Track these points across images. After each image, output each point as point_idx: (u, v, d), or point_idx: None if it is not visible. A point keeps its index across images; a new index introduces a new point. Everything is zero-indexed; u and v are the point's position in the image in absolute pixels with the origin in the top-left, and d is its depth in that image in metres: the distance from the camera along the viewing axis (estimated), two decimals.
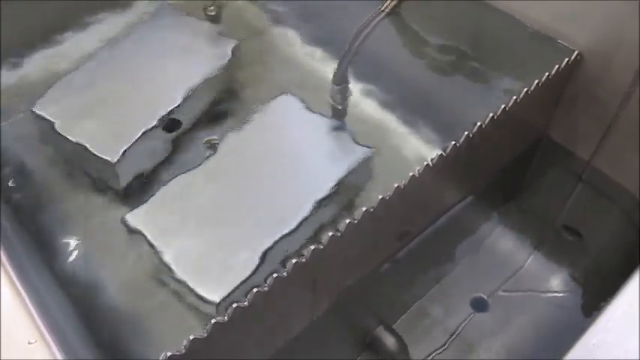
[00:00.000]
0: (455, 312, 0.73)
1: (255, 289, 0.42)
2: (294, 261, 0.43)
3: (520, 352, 0.70)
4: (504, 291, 0.74)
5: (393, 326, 0.69)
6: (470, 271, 0.76)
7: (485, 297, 0.74)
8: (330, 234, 0.45)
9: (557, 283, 0.75)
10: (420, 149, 0.55)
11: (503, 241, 0.78)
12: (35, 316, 0.37)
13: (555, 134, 0.68)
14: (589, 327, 0.36)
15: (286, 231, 0.49)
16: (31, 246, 0.53)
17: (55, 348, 0.35)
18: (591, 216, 0.71)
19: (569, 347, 0.43)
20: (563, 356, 0.36)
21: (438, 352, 0.70)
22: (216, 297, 0.47)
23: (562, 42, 0.59)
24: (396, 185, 0.48)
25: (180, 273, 0.48)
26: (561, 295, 0.74)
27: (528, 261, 0.77)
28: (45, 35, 0.72)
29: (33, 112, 0.58)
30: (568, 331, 0.71)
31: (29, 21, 0.70)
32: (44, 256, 0.52)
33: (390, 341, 0.66)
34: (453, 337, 0.71)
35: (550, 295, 0.74)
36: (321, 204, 0.51)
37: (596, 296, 0.73)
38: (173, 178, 0.54)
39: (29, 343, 0.35)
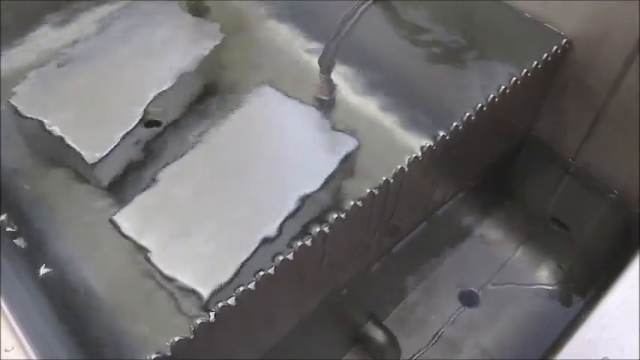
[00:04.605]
0: (445, 306, 0.73)
1: (241, 288, 0.41)
2: (280, 258, 0.42)
3: (509, 343, 0.70)
4: (493, 284, 0.74)
5: (383, 321, 0.68)
6: (459, 265, 0.76)
7: (475, 290, 0.74)
8: (318, 230, 0.44)
9: (545, 274, 0.75)
10: (408, 141, 0.53)
11: (491, 235, 0.78)
12: (13, 322, 0.35)
13: (543, 125, 0.67)
14: (582, 323, 0.36)
15: (274, 228, 0.48)
16: (9, 247, 0.51)
17: (32, 353, 0.34)
18: (578, 208, 0.71)
19: (557, 337, 0.43)
20: (558, 352, 0.35)
21: (429, 345, 0.70)
22: (203, 295, 0.46)
23: (552, 29, 0.59)
24: (384, 178, 0.47)
25: (167, 271, 0.47)
26: (549, 286, 0.74)
27: (517, 254, 0.77)
28: (24, 25, 0.70)
29: (9, 104, 0.57)
30: (556, 321, 0.71)
31: (9, 11, 0.68)
32: (24, 257, 0.51)
33: (379, 336, 0.65)
34: (443, 331, 0.71)
35: (538, 286, 0.74)
36: (309, 199, 0.50)
37: (583, 287, 0.73)
38: (157, 173, 0.53)
39: (6, 350, 0.33)
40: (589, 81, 0.60)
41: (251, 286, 0.41)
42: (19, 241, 0.52)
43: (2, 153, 0.58)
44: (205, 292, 0.45)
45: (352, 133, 0.54)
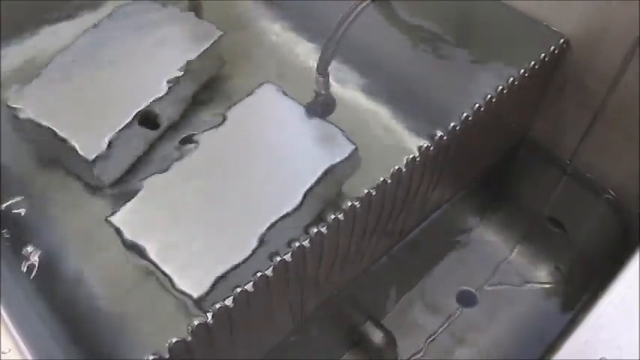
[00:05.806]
0: (442, 306, 0.73)
1: (238, 289, 0.41)
2: (278, 259, 0.42)
3: (507, 343, 0.70)
4: (491, 285, 0.74)
5: (382, 322, 0.68)
6: (457, 265, 0.76)
7: (472, 290, 0.74)
8: (315, 230, 0.44)
9: (542, 275, 0.75)
10: (406, 141, 0.54)
11: (489, 235, 0.78)
12: (9, 324, 0.35)
13: (541, 126, 0.67)
14: (580, 324, 0.36)
15: (271, 228, 0.48)
16: (7, 249, 0.51)
17: (29, 355, 0.34)
18: (576, 208, 0.71)
19: (554, 337, 0.42)
20: (555, 353, 0.35)
21: (426, 346, 0.70)
22: (196, 293, 0.46)
23: (550, 28, 0.59)
24: (381, 179, 0.47)
25: (163, 272, 0.47)
26: (547, 287, 0.74)
27: (514, 254, 0.77)
28: (24, 25, 0.70)
29: (7, 105, 0.57)
30: (554, 322, 0.71)
31: (9, 11, 0.68)
32: (20, 257, 0.51)
33: (378, 337, 0.65)
34: (441, 331, 0.71)
35: (536, 287, 0.74)
36: (305, 199, 0.50)
37: (580, 287, 0.73)
38: (156, 173, 0.53)
39: (3, 352, 0.33)
40: (587, 80, 0.60)
41: (248, 287, 0.41)
42: (15, 241, 0.52)
43: (2, 154, 0.58)
44: (198, 293, 0.45)
45: (350, 133, 0.54)
